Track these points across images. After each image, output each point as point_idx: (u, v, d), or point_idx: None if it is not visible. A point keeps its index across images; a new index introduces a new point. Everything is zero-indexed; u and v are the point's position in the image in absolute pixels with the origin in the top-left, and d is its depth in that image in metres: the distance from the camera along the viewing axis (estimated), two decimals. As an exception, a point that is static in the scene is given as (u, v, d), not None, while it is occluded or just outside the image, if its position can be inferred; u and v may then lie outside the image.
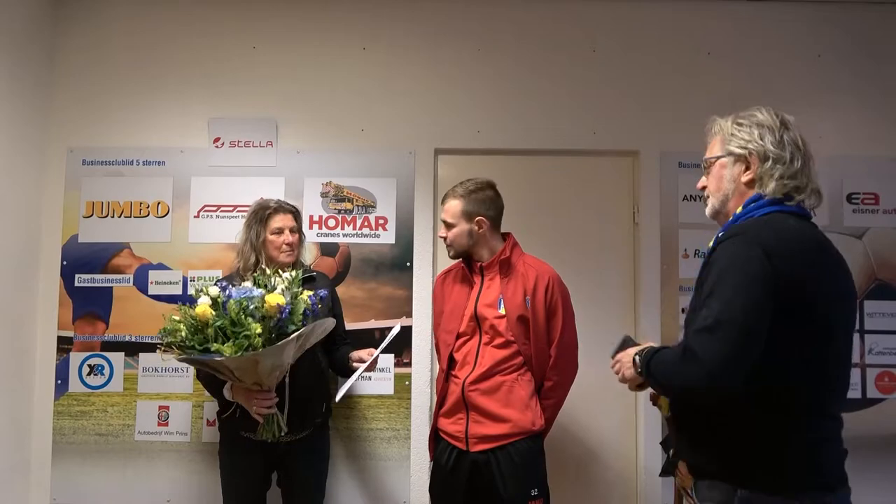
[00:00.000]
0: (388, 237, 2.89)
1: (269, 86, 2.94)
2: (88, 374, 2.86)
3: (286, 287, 2.07)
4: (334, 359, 2.42)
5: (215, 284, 2.08)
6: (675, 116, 2.92)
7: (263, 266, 2.31)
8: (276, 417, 2.13)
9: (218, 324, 1.91)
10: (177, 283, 2.86)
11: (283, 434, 2.17)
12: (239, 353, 1.89)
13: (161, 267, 2.88)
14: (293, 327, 2.00)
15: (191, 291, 2.68)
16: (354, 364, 2.31)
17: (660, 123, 2.92)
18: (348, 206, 2.91)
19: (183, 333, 1.96)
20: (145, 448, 2.82)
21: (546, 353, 2.21)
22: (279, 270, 2.16)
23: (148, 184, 2.91)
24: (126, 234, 2.89)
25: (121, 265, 2.88)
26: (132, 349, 2.86)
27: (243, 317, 1.92)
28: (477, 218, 2.23)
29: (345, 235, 2.90)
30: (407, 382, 2.84)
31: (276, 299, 1.97)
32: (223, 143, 2.92)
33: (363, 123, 2.94)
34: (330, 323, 2.21)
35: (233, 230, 2.86)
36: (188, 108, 2.94)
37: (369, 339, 2.76)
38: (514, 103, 2.95)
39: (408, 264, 2.88)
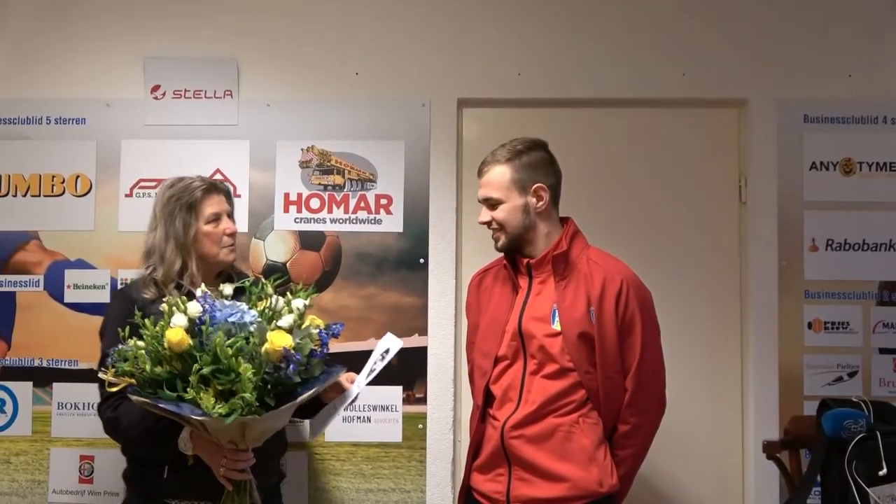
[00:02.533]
0: (393, 223, 2.89)
1: (228, 14, 2.96)
2: (-16, 411, 2.87)
3: (296, 321, 2.00)
4: None
5: (197, 299, 2.02)
6: (799, 52, 2.89)
7: (194, 269, 2.27)
8: (250, 485, 2.10)
9: (204, 371, 1.86)
10: (102, 286, 2.86)
11: None
12: (231, 417, 1.86)
13: (81, 265, 2.89)
14: (298, 378, 1.97)
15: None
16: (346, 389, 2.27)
17: (776, 61, 2.89)
18: (338, 179, 2.90)
19: (147, 367, 1.91)
20: (62, 513, 2.84)
21: (619, 385, 2.18)
22: (289, 292, 2.10)
23: (63, 150, 2.92)
24: (33, 220, 2.91)
25: (27, 262, 2.90)
26: (44, 377, 2.86)
27: (234, 359, 1.87)
28: (534, 187, 2.20)
29: (333, 221, 2.89)
30: (421, 426, 2.83)
31: (281, 341, 1.91)
32: (164, 93, 2.93)
33: (358, 65, 2.93)
34: (341, 372, 2.19)
35: None
36: (117, 45, 2.95)
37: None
38: (568, 35, 2.92)
39: (421, 261, 2.87)
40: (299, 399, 1.96)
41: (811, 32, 2.89)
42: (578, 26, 2.92)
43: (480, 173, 2.27)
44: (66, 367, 2.85)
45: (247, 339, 1.91)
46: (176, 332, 1.89)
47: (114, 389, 1.98)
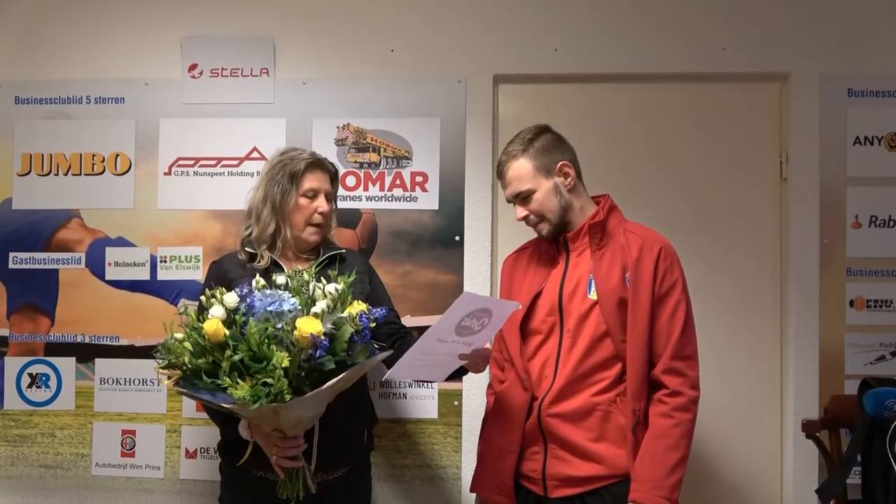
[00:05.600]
0: (428, 201, 2.90)
1: (264, -9, 2.96)
2: (29, 385, 2.92)
3: (329, 307, 1.99)
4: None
5: (237, 289, 2.02)
6: (842, 24, 2.84)
7: (288, 236, 2.30)
8: (304, 472, 2.11)
9: (237, 357, 1.88)
10: (143, 263, 2.91)
11: (308, 494, 2.13)
12: (256, 404, 1.86)
13: (121, 242, 2.93)
14: (332, 364, 1.96)
15: (162, 275, 2.92)
16: None
17: (819, 34, 2.85)
18: (373, 157, 2.91)
19: (186, 359, 1.93)
20: (105, 485, 2.89)
21: (644, 353, 2.12)
22: (323, 278, 2.09)
23: (102, 129, 2.96)
24: (75, 199, 2.95)
25: (68, 240, 2.94)
26: (86, 353, 2.92)
27: (266, 347, 1.89)
28: (558, 165, 2.21)
29: (369, 199, 2.91)
30: (456, 402, 2.84)
31: (309, 327, 1.91)
32: (202, 72, 2.95)
33: (393, 41, 2.94)
34: (382, 356, 2.16)
35: (216, 191, 2.94)
36: (155, 25, 2.97)
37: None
38: (604, 10, 2.90)
39: (456, 238, 2.88)
40: (325, 386, 1.94)
41: (855, 4, 2.84)
42: (615, 0, 2.90)
43: (501, 174, 2.27)
44: (108, 342, 2.89)
45: (280, 327, 1.92)
46: (212, 323, 1.91)
47: (166, 382, 2.01)
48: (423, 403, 2.84)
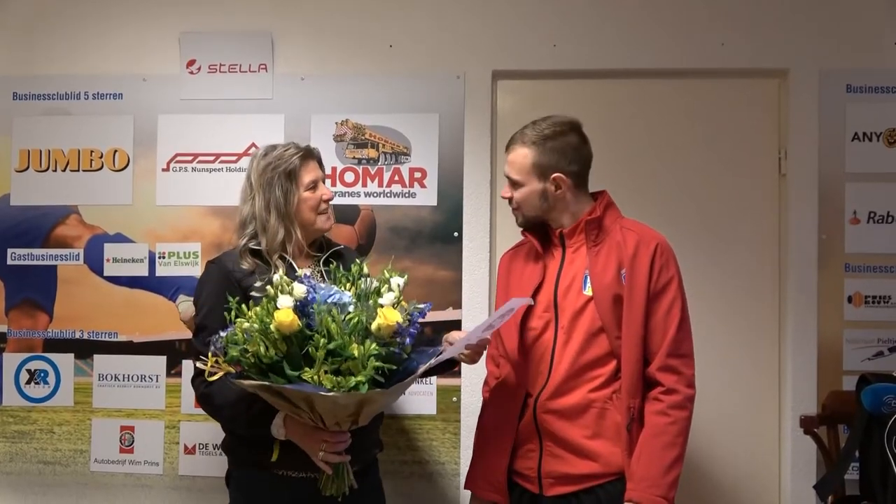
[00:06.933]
0: (427, 197, 2.89)
1: (262, -13, 2.95)
2: (28, 381, 2.93)
3: (398, 298, 2.01)
4: None
5: (300, 279, 2.00)
6: (841, 20, 2.83)
7: (299, 237, 2.25)
8: (347, 467, 2.10)
9: (332, 345, 1.87)
10: (141, 260, 2.91)
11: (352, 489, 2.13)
12: (365, 388, 1.86)
13: (120, 239, 2.93)
14: (405, 354, 1.98)
15: (161, 271, 2.92)
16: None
17: (818, 30, 2.84)
18: (372, 153, 2.90)
19: (261, 350, 1.90)
20: (104, 481, 2.90)
21: (639, 350, 2.11)
22: (387, 272, 2.09)
23: (101, 125, 2.96)
24: (73, 195, 2.95)
25: (67, 236, 2.95)
26: (85, 349, 2.92)
27: (348, 337, 1.88)
28: (553, 175, 2.17)
29: (367, 195, 2.90)
30: (455, 398, 2.84)
31: (393, 316, 1.91)
32: (200, 68, 2.94)
33: (392, 37, 2.93)
34: (446, 353, 2.16)
35: (215, 187, 2.94)
36: (153, 20, 2.97)
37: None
38: (603, 5, 2.89)
39: (455, 235, 2.88)
40: (421, 369, 1.99)
41: (854, 0, 2.83)
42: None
43: (507, 150, 2.25)
44: (107, 339, 2.90)
45: (354, 317, 1.92)
46: (286, 313, 1.88)
47: (212, 379, 1.98)
48: (421, 399, 2.84)
